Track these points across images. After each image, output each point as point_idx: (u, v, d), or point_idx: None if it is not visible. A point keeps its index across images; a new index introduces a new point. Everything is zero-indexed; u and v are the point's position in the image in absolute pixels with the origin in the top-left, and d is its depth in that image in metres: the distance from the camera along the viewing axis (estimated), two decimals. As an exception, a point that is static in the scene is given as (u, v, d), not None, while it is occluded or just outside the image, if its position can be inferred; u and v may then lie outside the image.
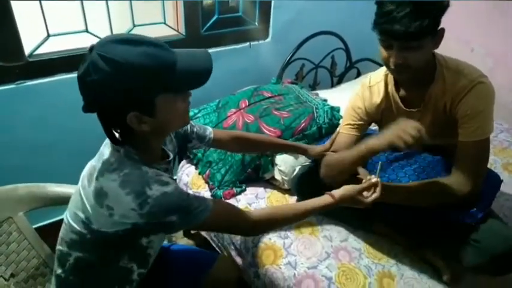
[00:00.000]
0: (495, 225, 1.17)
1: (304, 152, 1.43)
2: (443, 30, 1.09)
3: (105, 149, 0.89)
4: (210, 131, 1.25)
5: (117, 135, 0.88)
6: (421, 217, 1.27)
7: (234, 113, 1.71)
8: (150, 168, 0.86)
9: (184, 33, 1.90)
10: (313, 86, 2.32)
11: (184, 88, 0.85)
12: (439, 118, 1.23)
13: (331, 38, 2.24)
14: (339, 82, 2.39)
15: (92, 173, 0.87)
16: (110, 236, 0.83)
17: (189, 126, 1.18)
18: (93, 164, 0.90)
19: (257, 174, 1.65)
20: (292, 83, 2.01)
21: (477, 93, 1.13)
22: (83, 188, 0.88)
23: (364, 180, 1.13)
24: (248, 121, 1.66)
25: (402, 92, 1.27)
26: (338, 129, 1.41)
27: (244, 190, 1.63)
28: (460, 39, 2.43)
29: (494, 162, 1.86)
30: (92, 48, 0.77)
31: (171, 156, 1.02)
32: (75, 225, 0.88)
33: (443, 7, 1.04)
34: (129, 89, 0.76)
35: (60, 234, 0.95)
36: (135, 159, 0.86)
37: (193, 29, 1.91)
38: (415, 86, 1.22)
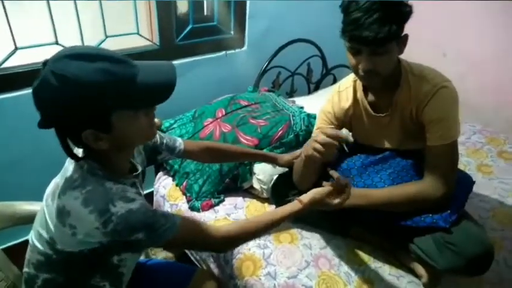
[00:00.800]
0: (469, 227, 1.19)
1: (273, 160, 1.43)
2: (407, 36, 1.12)
3: (69, 165, 0.87)
4: (180, 142, 1.24)
5: (80, 150, 0.85)
6: (395, 221, 1.27)
7: (211, 122, 1.70)
8: (116, 184, 0.83)
9: (158, 44, 1.88)
10: (290, 94, 2.33)
11: (145, 104, 0.82)
12: (407, 123, 1.25)
13: (307, 46, 2.26)
14: (316, 89, 2.41)
15: (54, 191, 0.84)
16: (76, 256, 0.80)
17: (158, 137, 1.16)
18: (57, 181, 0.86)
19: (235, 183, 1.64)
20: (269, 91, 2.01)
21: (441, 97, 1.16)
22: (47, 207, 0.84)
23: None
24: (225, 130, 1.65)
25: (370, 97, 1.29)
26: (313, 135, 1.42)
27: (223, 200, 1.61)
28: (432, 43, 2.49)
29: (468, 164, 1.90)
30: (45, 62, 0.75)
31: (140, 169, 1.00)
32: (39, 246, 0.85)
33: (408, 13, 1.07)
34: (81, 106, 0.73)
35: (26, 255, 0.91)
36: (98, 175, 0.83)
37: (167, 39, 1.89)
38: (382, 92, 1.24)
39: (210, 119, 1.71)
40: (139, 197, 0.84)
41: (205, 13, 2.09)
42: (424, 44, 2.37)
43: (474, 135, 2.14)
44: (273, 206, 1.58)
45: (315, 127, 1.42)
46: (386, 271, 1.33)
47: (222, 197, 1.61)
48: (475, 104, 2.36)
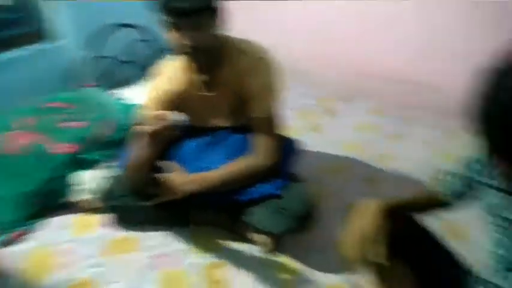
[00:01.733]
0: (297, 189, 1.23)
1: None
2: (221, 8, 1.10)
3: None
4: None
5: None
6: (230, 198, 1.24)
7: (17, 133, 1.39)
8: None
9: None
10: (121, 84, 2.10)
11: None
12: (234, 98, 1.23)
13: (130, 31, 2.05)
14: (149, 74, 2.23)
15: None
16: None
17: None
18: None
19: (54, 200, 1.39)
20: (90, 86, 1.76)
21: (260, 69, 1.17)
22: None
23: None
24: (30, 141, 1.37)
25: (197, 76, 1.23)
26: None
27: (41, 224, 1.36)
28: (256, 18, 2.53)
29: (301, 126, 2.00)
30: None
31: None
32: None
33: None
34: None
35: None
36: None
37: None
38: (209, 69, 1.20)
39: (10, 131, 1.40)
40: None
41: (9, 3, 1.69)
42: (248, 17, 2.40)
43: (303, 98, 2.27)
44: (105, 216, 1.40)
45: (142, 118, 1.26)
46: (232, 249, 1.30)
47: (38, 221, 1.35)
48: (301, 68, 2.51)
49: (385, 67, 2.26)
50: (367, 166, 1.71)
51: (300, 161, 1.41)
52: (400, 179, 1.60)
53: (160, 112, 1.04)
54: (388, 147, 1.82)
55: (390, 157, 1.75)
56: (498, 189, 0.72)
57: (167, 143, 1.13)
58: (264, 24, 2.56)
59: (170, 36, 1.08)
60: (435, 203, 0.91)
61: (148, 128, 1.02)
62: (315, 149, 1.81)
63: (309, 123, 2.03)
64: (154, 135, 1.03)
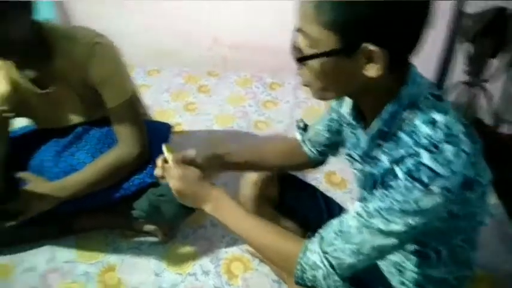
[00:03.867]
0: None
1: None
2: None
3: None
4: None
5: None
6: (109, 196, 1.19)
7: None
8: None
9: None
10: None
11: None
12: (81, 92, 1.14)
13: None
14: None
15: None
16: None
17: None
18: None
19: None
20: None
21: (98, 55, 1.07)
22: None
23: None
24: None
25: (28, 74, 1.10)
26: None
27: None
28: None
29: (176, 108, 1.99)
30: None
31: None
32: None
33: None
34: None
35: None
36: None
37: None
38: (37, 65, 1.07)
39: None
40: None
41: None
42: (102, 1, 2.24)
43: (174, 79, 2.24)
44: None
45: None
46: (125, 248, 1.28)
47: None
48: (166, 49, 2.46)
49: (244, 37, 2.36)
50: (241, 136, 1.80)
51: (173, 144, 1.42)
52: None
53: None
54: (260, 115, 1.95)
55: (263, 123, 1.88)
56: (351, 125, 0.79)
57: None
58: (118, 7, 2.41)
59: None
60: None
61: None
62: (190, 129, 1.84)
63: (181, 103, 2.04)
64: None
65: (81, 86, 1.12)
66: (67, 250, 1.25)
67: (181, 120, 1.89)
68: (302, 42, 0.61)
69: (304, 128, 1.01)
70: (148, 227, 1.29)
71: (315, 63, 0.61)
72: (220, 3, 2.31)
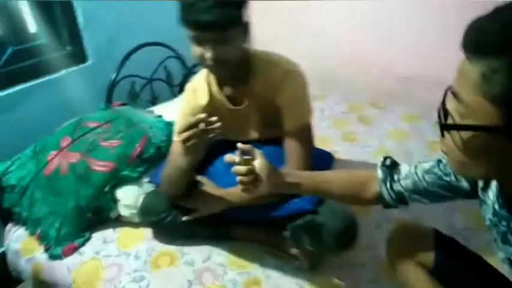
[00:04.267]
0: (332, 204, 1.22)
1: None
2: (248, 23, 1.10)
3: None
4: None
5: None
6: (266, 214, 1.25)
7: (55, 155, 1.48)
8: None
9: (-28, 77, 1.57)
10: (153, 101, 2.19)
11: None
12: (264, 111, 1.24)
13: (159, 49, 2.12)
14: (181, 91, 2.30)
15: None
16: None
17: None
18: None
19: (101, 216, 1.46)
20: (122, 104, 1.84)
21: (292, 81, 1.17)
22: None
23: None
24: (73, 161, 1.45)
25: (226, 91, 1.25)
26: None
27: (89, 238, 1.43)
28: (288, 24, 2.55)
29: (334, 135, 1.99)
30: None
31: None
32: None
33: None
34: None
35: None
36: None
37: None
38: (236, 83, 1.21)
39: (53, 152, 1.49)
40: None
41: (31, 31, 1.81)
42: (281, 25, 2.42)
43: (337, 106, 2.25)
44: (149, 229, 1.45)
45: (176, 131, 1.27)
46: (271, 265, 1.30)
47: (87, 235, 1.43)
48: (334, 75, 2.49)
49: (418, 69, 2.21)
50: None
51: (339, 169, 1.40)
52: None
53: (194, 118, 0.99)
54: (426, 155, 1.77)
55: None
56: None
57: (203, 151, 1.10)
58: (289, 31, 2.56)
59: (193, 50, 1.08)
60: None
61: (184, 135, 1.00)
62: (347, 158, 1.79)
63: (342, 132, 2.02)
64: (189, 142, 1.00)
65: (267, 106, 1.22)
66: (221, 254, 1.34)
67: (338, 149, 1.87)
68: (454, 107, 0.55)
69: (391, 166, 0.90)
70: (295, 251, 1.30)
71: (463, 134, 0.54)
72: (393, 32, 2.23)
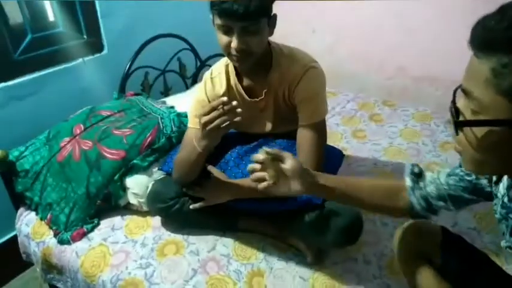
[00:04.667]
0: None
1: None
2: (276, 16, 1.11)
3: None
4: None
5: None
6: (273, 207, 1.26)
7: (68, 142, 1.51)
8: None
9: (-9, 62, 1.61)
10: (165, 93, 2.21)
11: None
12: (280, 105, 1.25)
13: (173, 41, 2.14)
14: (194, 83, 2.32)
15: None
16: None
17: None
18: None
19: (110, 203, 1.49)
20: (135, 94, 1.87)
21: (310, 77, 1.17)
22: None
23: None
24: (86, 148, 1.48)
25: (245, 82, 1.25)
26: None
27: (97, 225, 1.46)
28: (302, 21, 2.54)
29: (344, 132, 1.98)
30: None
31: None
32: None
33: None
34: None
35: None
36: None
37: (2, 55, 1.63)
38: (255, 75, 1.22)
39: (67, 138, 1.52)
40: None
41: (50, 19, 1.85)
42: (294, 21, 2.41)
43: (348, 104, 2.24)
44: (156, 218, 1.48)
45: (190, 118, 1.29)
46: (275, 258, 1.31)
47: (95, 222, 1.46)
48: (346, 72, 2.48)
49: (432, 69, 2.19)
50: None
51: (343, 170, 1.40)
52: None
53: (216, 101, 0.99)
54: (435, 156, 1.76)
55: (437, 166, 1.69)
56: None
57: (219, 138, 1.09)
58: (302, 27, 2.55)
59: (220, 38, 1.08)
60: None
61: (204, 118, 1.00)
62: (355, 155, 1.79)
63: (352, 129, 2.01)
64: (209, 125, 1.00)
65: (282, 100, 1.23)
66: (226, 245, 1.36)
67: (347, 146, 1.87)
68: (465, 105, 0.55)
69: (419, 175, 0.89)
70: (300, 245, 1.31)
71: (477, 131, 0.54)
72: (407, 31, 2.21)
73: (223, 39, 1.07)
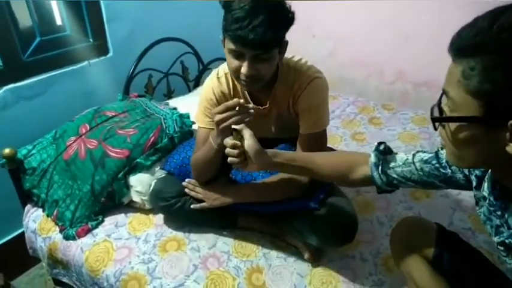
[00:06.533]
0: (334, 202, 1.27)
1: None
2: (287, 42, 1.12)
3: None
4: None
5: None
6: (271, 207, 1.30)
7: (74, 141, 1.56)
8: None
9: (1, 64, 1.66)
10: (168, 95, 2.26)
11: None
12: (283, 114, 1.28)
13: (176, 44, 2.19)
14: (196, 86, 2.36)
15: None
16: None
17: None
18: None
19: (114, 201, 1.53)
20: (139, 96, 1.91)
21: (313, 88, 1.19)
22: None
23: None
24: (91, 147, 1.52)
25: (247, 93, 1.27)
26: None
27: (102, 222, 1.50)
28: (302, 26, 2.58)
29: (344, 135, 2.02)
30: None
31: None
32: None
33: (291, 19, 1.06)
34: None
35: None
36: None
37: (11, 57, 1.68)
38: (264, 84, 1.22)
39: (73, 138, 1.57)
40: None
41: (57, 23, 1.91)
42: (295, 27, 2.45)
43: (348, 107, 2.28)
44: (158, 216, 1.52)
45: (199, 117, 1.31)
46: (274, 255, 1.35)
47: (100, 219, 1.50)
48: (346, 77, 2.52)
49: (432, 74, 2.22)
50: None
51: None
52: (450, 193, 1.58)
53: (232, 101, 1.02)
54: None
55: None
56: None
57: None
58: (302, 32, 2.60)
59: (230, 62, 1.08)
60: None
61: (219, 116, 1.02)
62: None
63: (351, 132, 2.05)
64: (224, 123, 1.03)
65: (286, 109, 1.26)
66: (226, 242, 1.40)
67: (346, 148, 1.90)
68: (445, 104, 0.62)
69: (385, 151, 0.94)
70: (298, 243, 1.34)
71: (452, 127, 0.60)
72: (408, 37, 2.25)
73: (234, 63, 1.06)
